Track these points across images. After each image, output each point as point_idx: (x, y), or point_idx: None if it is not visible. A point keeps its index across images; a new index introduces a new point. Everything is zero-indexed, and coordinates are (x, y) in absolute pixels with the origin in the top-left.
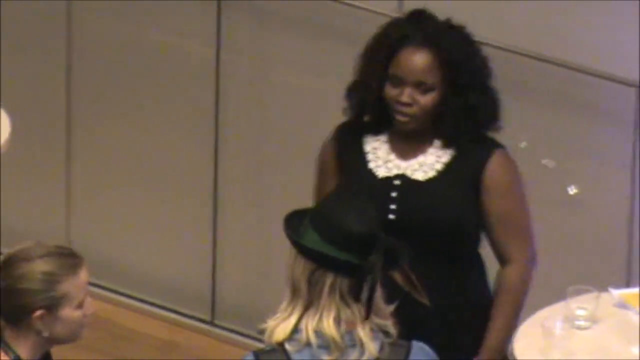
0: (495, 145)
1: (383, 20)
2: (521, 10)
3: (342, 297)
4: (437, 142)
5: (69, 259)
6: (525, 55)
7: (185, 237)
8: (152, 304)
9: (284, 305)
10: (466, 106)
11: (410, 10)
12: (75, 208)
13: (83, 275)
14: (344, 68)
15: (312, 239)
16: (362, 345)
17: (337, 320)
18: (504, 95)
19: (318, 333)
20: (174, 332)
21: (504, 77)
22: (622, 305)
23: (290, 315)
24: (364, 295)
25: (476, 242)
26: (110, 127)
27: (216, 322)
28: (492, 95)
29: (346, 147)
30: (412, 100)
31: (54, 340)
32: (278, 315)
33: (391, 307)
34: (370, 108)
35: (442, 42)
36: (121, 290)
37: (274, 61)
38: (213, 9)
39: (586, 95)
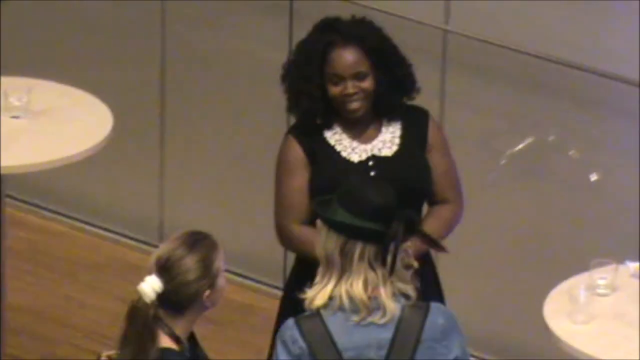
0: (426, 112)
1: (430, 31)
2: (552, 22)
3: (369, 263)
4: (384, 122)
5: (207, 240)
6: (554, 61)
7: (261, 214)
8: (233, 272)
9: (318, 277)
10: (395, 80)
11: (320, 21)
12: (167, 190)
13: (220, 248)
14: None
15: (341, 215)
16: (384, 306)
17: (365, 284)
18: (539, 97)
19: (350, 297)
20: (251, 297)
21: (539, 82)
22: (638, 275)
23: (326, 284)
24: (389, 259)
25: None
26: (197, 120)
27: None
28: (408, 63)
29: (311, 145)
30: (356, 89)
31: (210, 308)
32: (315, 285)
33: (410, 272)
34: (320, 112)
35: (360, 36)
36: None
37: None
38: (286, 20)
39: (604, 96)
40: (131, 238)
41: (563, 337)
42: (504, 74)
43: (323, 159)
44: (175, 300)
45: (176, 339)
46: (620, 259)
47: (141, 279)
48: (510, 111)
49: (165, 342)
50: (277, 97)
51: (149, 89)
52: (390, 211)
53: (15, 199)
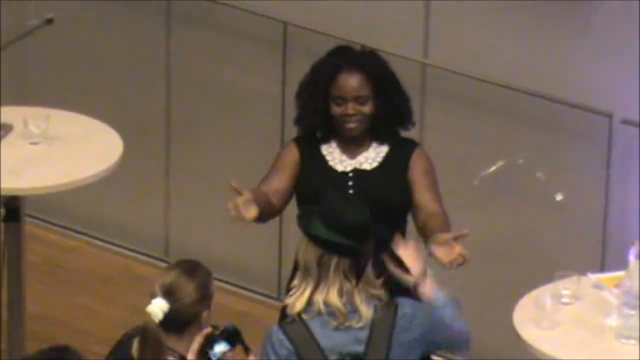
0: (416, 143)
1: (410, 64)
2: (524, 56)
3: (344, 274)
4: (374, 143)
5: (202, 267)
6: (525, 92)
7: (258, 230)
8: (230, 283)
9: (296, 282)
10: (392, 107)
11: (333, 48)
12: (172, 209)
13: (212, 274)
14: None
15: (320, 230)
16: (359, 312)
17: (340, 293)
18: (510, 124)
19: (326, 304)
20: (247, 305)
21: (510, 111)
22: (598, 286)
23: (304, 291)
24: (361, 271)
25: (406, 220)
26: (199, 145)
27: (281, 298)
28: (407, 97)
29: (308, 153)
30: (356, 111)
31: (204, 329)
32: (293, 291)
33: (381, 280)
34: (320, 127)
35: (366, 64)
36: None
37: None
38: (280, 55)
39: (571, 124)
40: (139, 252)
41: (531, 342)
42: (478, 104)
43: (313, 166)
44: (178, 320)
45: (182, 358)
46: (583, 271)
47: (149, 289)
48: (483, 137)
49: None
50: (271, 123)
51: (156, 117)
52: (365, 229)
53: (34, 217)
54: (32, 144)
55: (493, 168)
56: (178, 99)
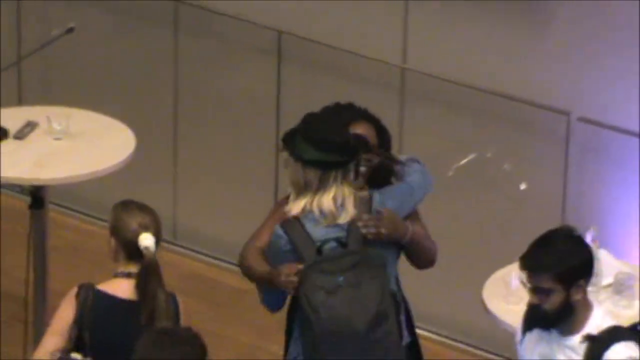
0: None
1: (390, 68)
2: (491, 60)
3: (339, 181)
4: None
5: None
6: (492, 93)
7: (253, 214)
8: (228, 262)
9: (293, 197)
10: (389, 160)
11: (336, 103)
12: (179, 197)
13: None
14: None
15: (313, 154)
16: (347, 211)
17: (335, 198)
18: (479, 122)
19: (321, 209)
20: (244, 282)
21: (480, 110)
22: None
23: (302, 200)
24: (352, 176)
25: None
26: (204, 139)
27: None
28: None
29: None
30: (369, 157)
31: None
32: (291, 202)
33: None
34: None
35: (372, 117)
36: (207, 252)
37: (321, 98)
38: (275, 60)
39: (533, 122)
40: None
41: (499, 315)
42: (452, 104)
43: None
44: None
45: None
46: None
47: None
48: (455, 134)
49: None
50: (267, 121)
51: (165, 115)
52: (349, 143)
53: (57, 205)
54: (55, 139)
55: (464, 161)
56: (184, 99)
